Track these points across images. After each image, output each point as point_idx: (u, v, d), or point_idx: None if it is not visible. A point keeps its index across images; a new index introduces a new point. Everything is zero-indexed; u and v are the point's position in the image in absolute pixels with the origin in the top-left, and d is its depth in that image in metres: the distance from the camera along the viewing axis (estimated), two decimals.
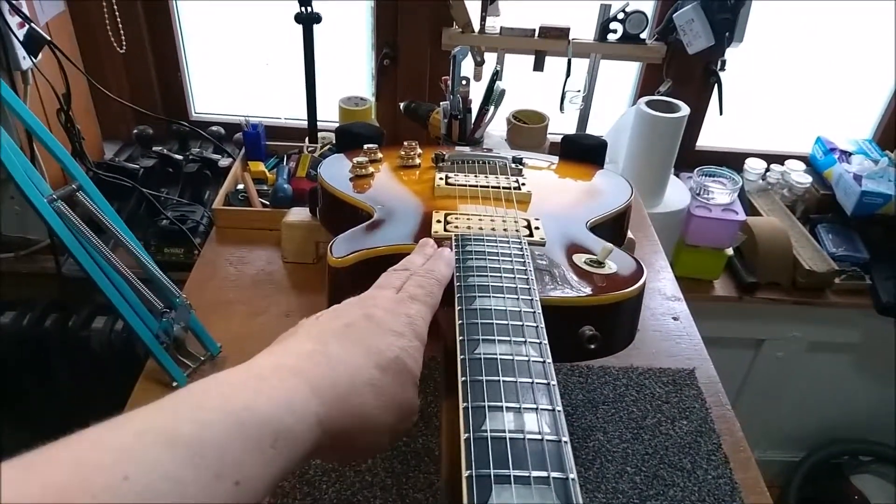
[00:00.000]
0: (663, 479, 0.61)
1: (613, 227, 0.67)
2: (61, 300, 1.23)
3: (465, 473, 0.30)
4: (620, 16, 1.31)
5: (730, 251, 1.37)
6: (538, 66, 1.36)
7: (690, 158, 1.54)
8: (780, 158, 1.58)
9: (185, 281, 0.79)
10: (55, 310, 1.22)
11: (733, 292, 1.38)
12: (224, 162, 1.33)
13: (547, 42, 1.32)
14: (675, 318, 0.80)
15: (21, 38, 1.04)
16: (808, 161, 1.59)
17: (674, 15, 1.32)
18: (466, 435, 0.32)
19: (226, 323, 0.74)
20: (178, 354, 0.67)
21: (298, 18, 1.06)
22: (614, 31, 1.33)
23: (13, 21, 1.03)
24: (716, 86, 1.41)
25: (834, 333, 1.49)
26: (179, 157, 1.35)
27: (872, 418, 1.61)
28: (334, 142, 1.08)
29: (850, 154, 1.52)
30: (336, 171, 0.71)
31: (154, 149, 1.36)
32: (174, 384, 0.65)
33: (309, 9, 1.06)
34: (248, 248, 0.86)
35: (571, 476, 0.30)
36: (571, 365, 0.71)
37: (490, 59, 1.34)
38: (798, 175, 1.52)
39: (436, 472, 0.60)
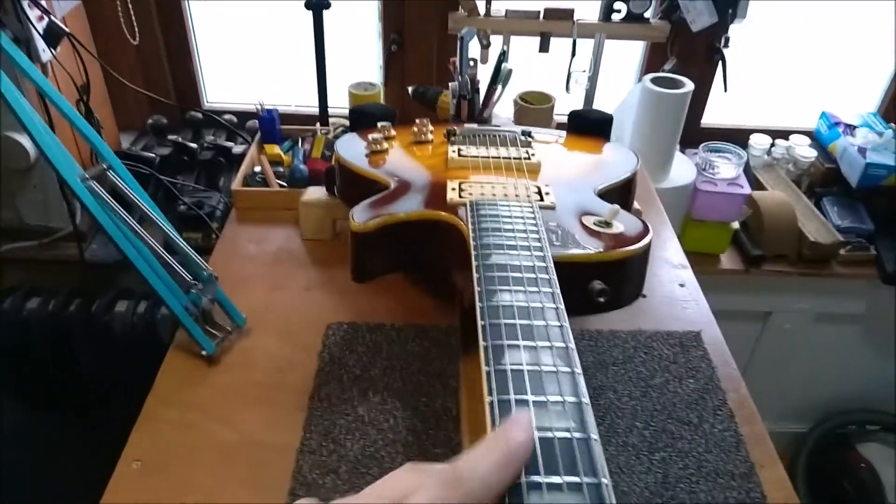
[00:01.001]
0: (671, 432, 0.64)
1: (621, 195, 0.70)
2: (84, 286, 1.26)
3: (486, 400, 0.33)
4: None
5: (736, 225, 1.40)
6: (544, 47, 1.38)
7: (696, 135, 1.56)
8: (784, 134, 1.59)
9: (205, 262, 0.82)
10: (78, 295, 1.26)
11: (740, 265, 1.41)
12: (238, 149, 1.36)
13: (552, 23, 1.34)
14: (681, 285, 0.83)
15: (41, 32, 1.07)
16: (812, 136, 1.60)
17: None
18: (487, 368, 0.35)
19: (248, 297, 0.77)
20: (207, 326, 0.70)
21: (308, 5, 1.09)
22: (618, 11, 1.35)
23: (33, 14, 1.06)
24: (720, 63, 1.43)
25: (840, 304, 1.51)
26: (194, 145, 1.38)
27: (879, 388, 1.63)
28: (347, 124, 1.11)
29: (855, 128, 1.53)
30: (352, 149, 0.74)
31: (169, 137, 1.40)
32: (203, 352, 0.68)
33: None
34: (267, 227, 0.90)
35: (584, 400, 0.33)
36: (581, 329, 0.74)
37: (496, 41, 1.36)
38: (803, 149, 1.54)
39: (454, 430, 0.63)
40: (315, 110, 1.22)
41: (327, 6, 1.09)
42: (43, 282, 1.28)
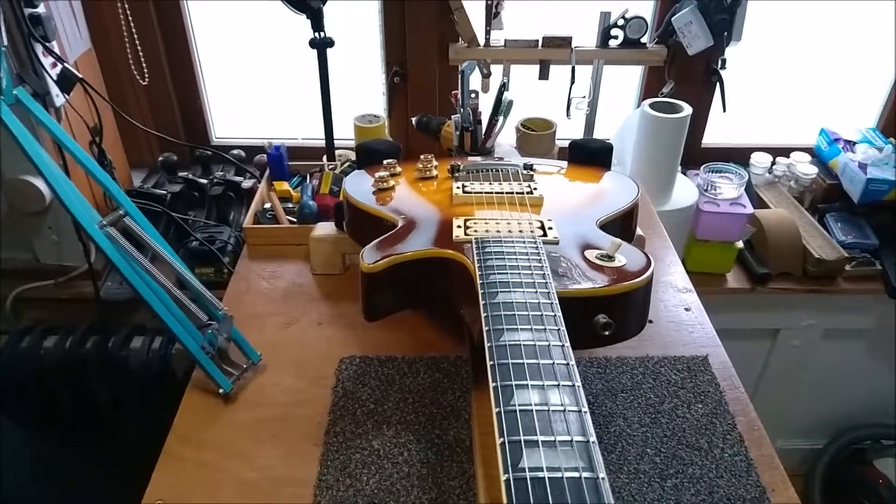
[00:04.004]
0: (682, 458, 0.64)
1: (622, 225, 0.72)
2: (100, 323, 1.28)
3: (498, 441, 0.34)
4: (620, 22, 1.36)
5: (740, 244, 1.41)
6: (543, 74, 1.40)
7: (697, 156, 1.57)
8: (785, 151, 1.61)
9: (218, 298, 0.84)
10: (95, 332, 1.28)
11: (746, 284, 1.42)
12: (247, 183, 1.39)
13: (550, 51, 1.37)
14: (687, 309, 0.84)
15: (55, 77, 1.10)
16: (813, 152, 1.62)
17: (672, 18, 1.36)
18: (497, 409, 0.36)
19: (262, 333, 0.79)
20: (223, 364, 0.72)
21: (313, 44, 1.12)
22: (615, 37, 1.37)
23: (47, 62, 1.09)
24: (717, 84, 1.45)
25: (848, 320, 1.51)
26: (204, 180, 1.41)
27: (891, 402, 1.62)
28: (353, 159, 1.13)
29: (855, 143, 1.55)
30: (359, 187, 0.76)
31: (179, 174, 1.43)
32: (220, 391, 0.70)
33: (322, 34, 1.11)
34: (279, 262, 0.92)
35: (592, 439, 0.34)
36: (590, 357, 0.75)
37: (496, 70, 1.38)
38: (804, 166, 1.55)
39: (468, 461, 0.64)
40: (320, 142, 1.24)
41: (331, 45, 1.12)
42: (59, 320, 1.30)
